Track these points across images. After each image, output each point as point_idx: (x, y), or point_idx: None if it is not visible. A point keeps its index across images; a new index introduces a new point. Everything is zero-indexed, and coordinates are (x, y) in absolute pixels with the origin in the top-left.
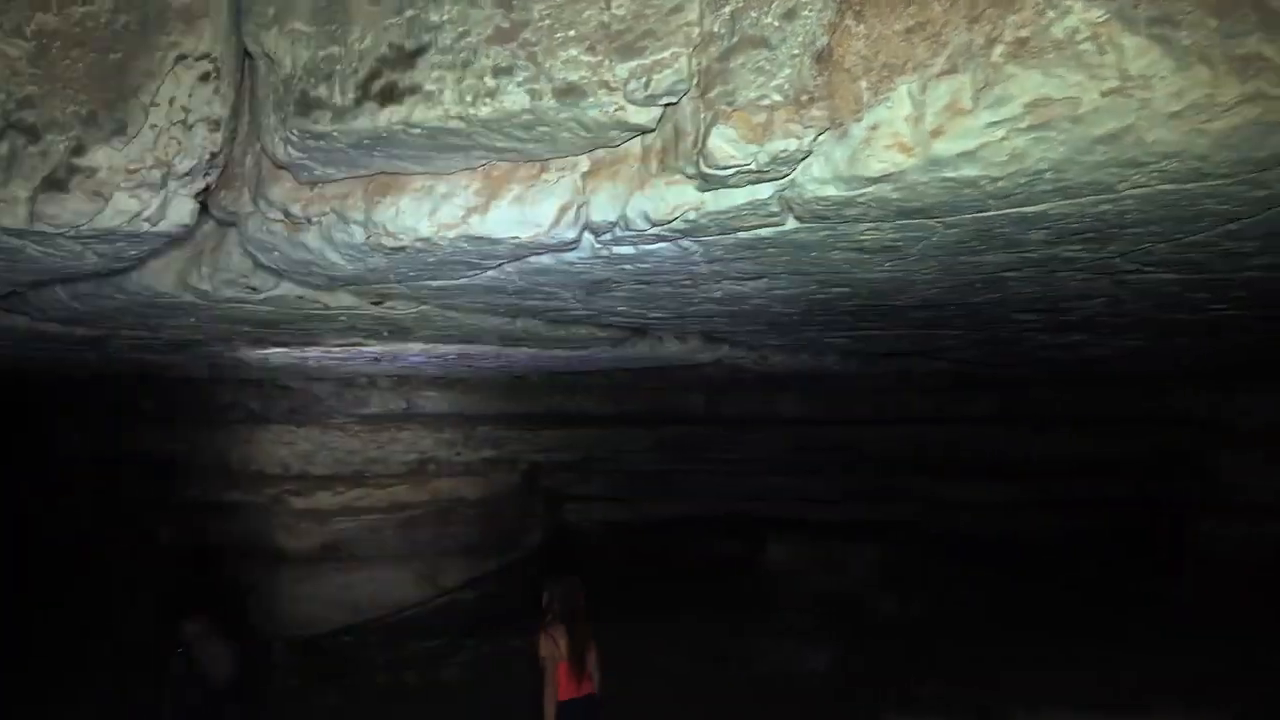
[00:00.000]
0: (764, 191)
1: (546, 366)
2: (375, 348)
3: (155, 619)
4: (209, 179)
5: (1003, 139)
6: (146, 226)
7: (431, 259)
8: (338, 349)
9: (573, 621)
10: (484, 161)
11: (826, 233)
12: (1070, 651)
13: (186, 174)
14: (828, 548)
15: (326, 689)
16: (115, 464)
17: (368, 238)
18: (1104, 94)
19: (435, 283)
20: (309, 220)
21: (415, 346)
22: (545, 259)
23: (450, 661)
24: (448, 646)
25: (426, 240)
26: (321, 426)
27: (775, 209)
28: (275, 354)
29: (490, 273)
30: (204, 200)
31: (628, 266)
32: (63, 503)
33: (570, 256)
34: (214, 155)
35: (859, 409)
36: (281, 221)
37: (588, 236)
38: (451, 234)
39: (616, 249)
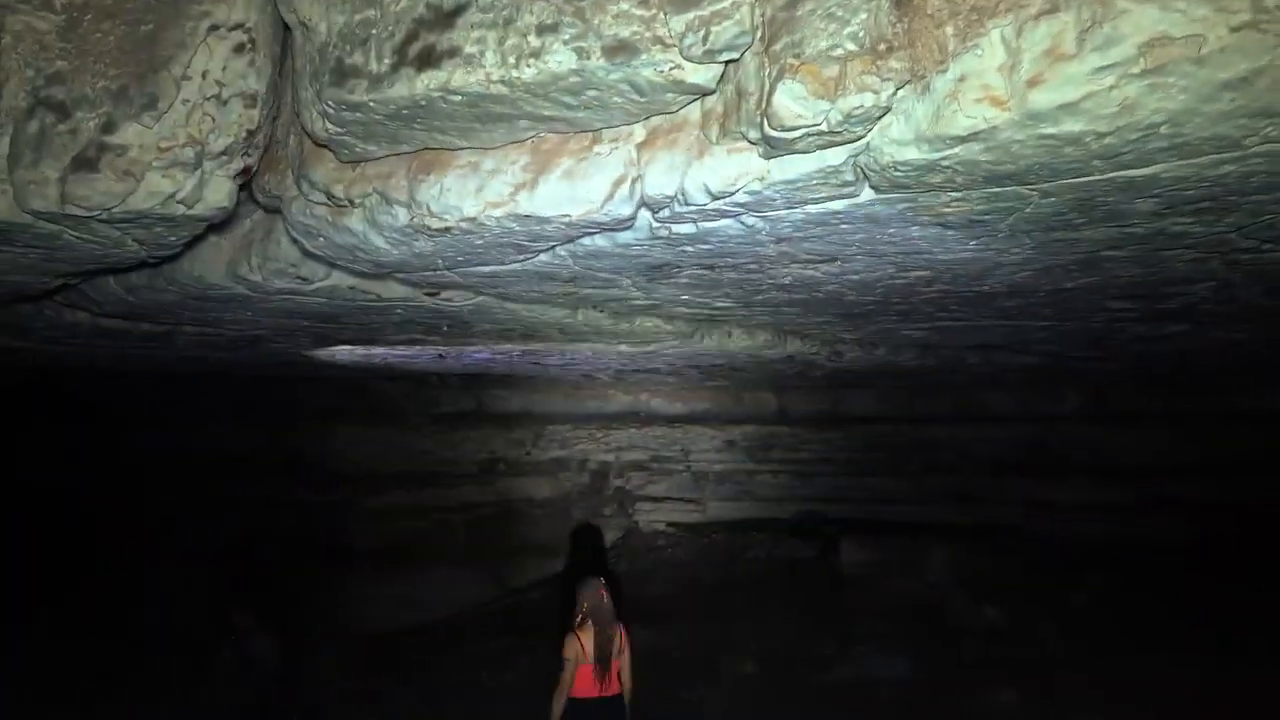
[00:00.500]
0: (835, 157)
1: (612, 365)
2: (438, 346)
3: (210, 611)
4: (249, 160)
5: (1111, 87)
6: (182, 209)
7: (479, 241)
8: (401, 347)
9: (600, 624)
10: (531, 133)
11: (905, 205)
12: (1171, 666)
13: (222, 153)
14: (904, 550)
15: (394, 689)
16: (188, 461)
17: (411, 219)
18: (1234, 29)
19: (485, 268)
20: (352, 202)
21: (476, 345)
22: (600, 240)
23: (516, 663)
24: (514, 648)
25: (472, 220)
26: (396, 426)
27: (848, 177)
28: (341, 352)
29: (542, 256)
30: (246, 183)
31: (688, 248)
32: (132, 499)
33: (626, 237)
34: (251, 134)
35: (938, 406)
36: (325, 205)
37: (644, 214)
38: (498, 213)
39: (676, 228)
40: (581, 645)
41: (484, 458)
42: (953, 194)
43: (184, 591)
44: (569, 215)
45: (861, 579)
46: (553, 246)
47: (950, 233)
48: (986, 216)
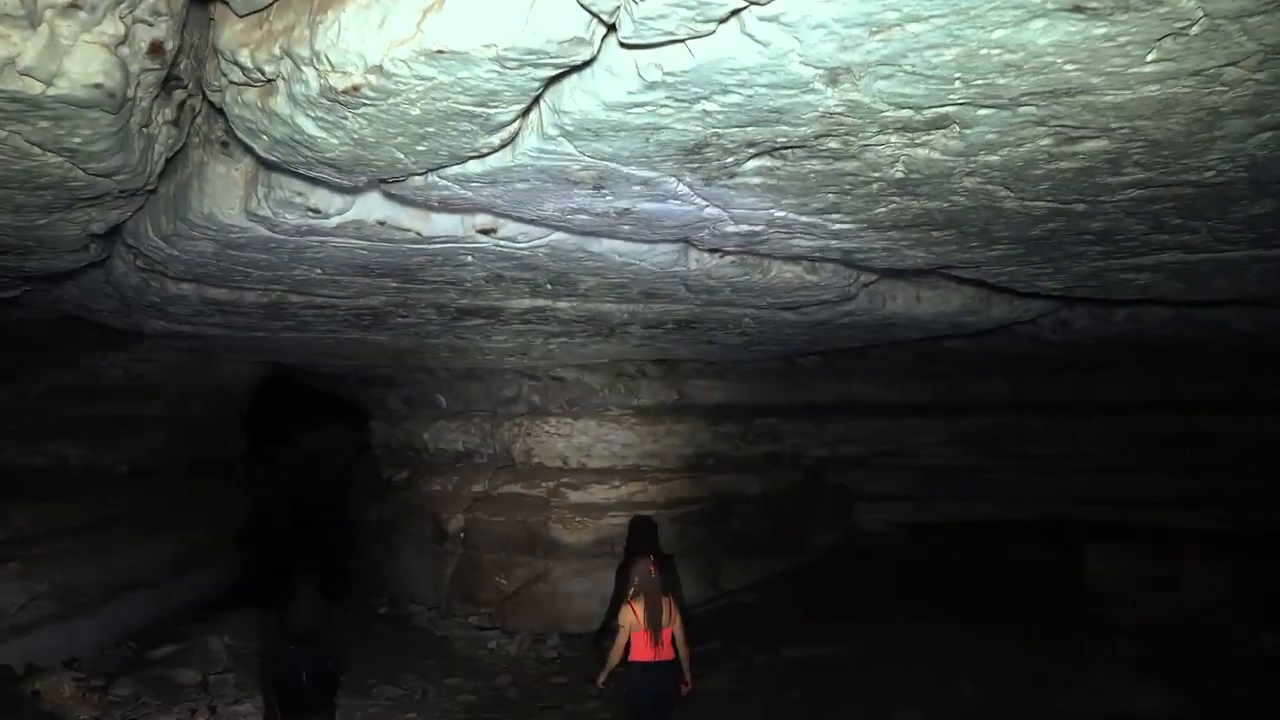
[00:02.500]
0: None
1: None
2: (565, 304)
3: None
4: (154, 33)
5: None
6: (37, 86)
7: (410, 110)
8: (533, 317)
9: (650, 595)
10: None
11: None
12: None
13: (74, 5)
14: (1164, 561)
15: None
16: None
17: (320, 81)
18: None
19: (452, 169)
20: (266, 75)
21: (609, 307)
22: (582, 100)
23: (721, 668)
24: (720, 652)
25: (379, 71)
26: (598, 419)
27: None
28: (470, 327)
29: (529, 142)
30: (167, 73)
31: (712, 104)
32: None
33: (609, 89)
34: None
35: (1210, 391)
36: (246, 84)
37: (608, 41)
38: (406, 53)
39: (668, 64)
40: (635, 614)
41: (691, 452)
42: None
43: None
44: (494, 45)
45: (1110, 593)
46: (504, 112)
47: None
48: None
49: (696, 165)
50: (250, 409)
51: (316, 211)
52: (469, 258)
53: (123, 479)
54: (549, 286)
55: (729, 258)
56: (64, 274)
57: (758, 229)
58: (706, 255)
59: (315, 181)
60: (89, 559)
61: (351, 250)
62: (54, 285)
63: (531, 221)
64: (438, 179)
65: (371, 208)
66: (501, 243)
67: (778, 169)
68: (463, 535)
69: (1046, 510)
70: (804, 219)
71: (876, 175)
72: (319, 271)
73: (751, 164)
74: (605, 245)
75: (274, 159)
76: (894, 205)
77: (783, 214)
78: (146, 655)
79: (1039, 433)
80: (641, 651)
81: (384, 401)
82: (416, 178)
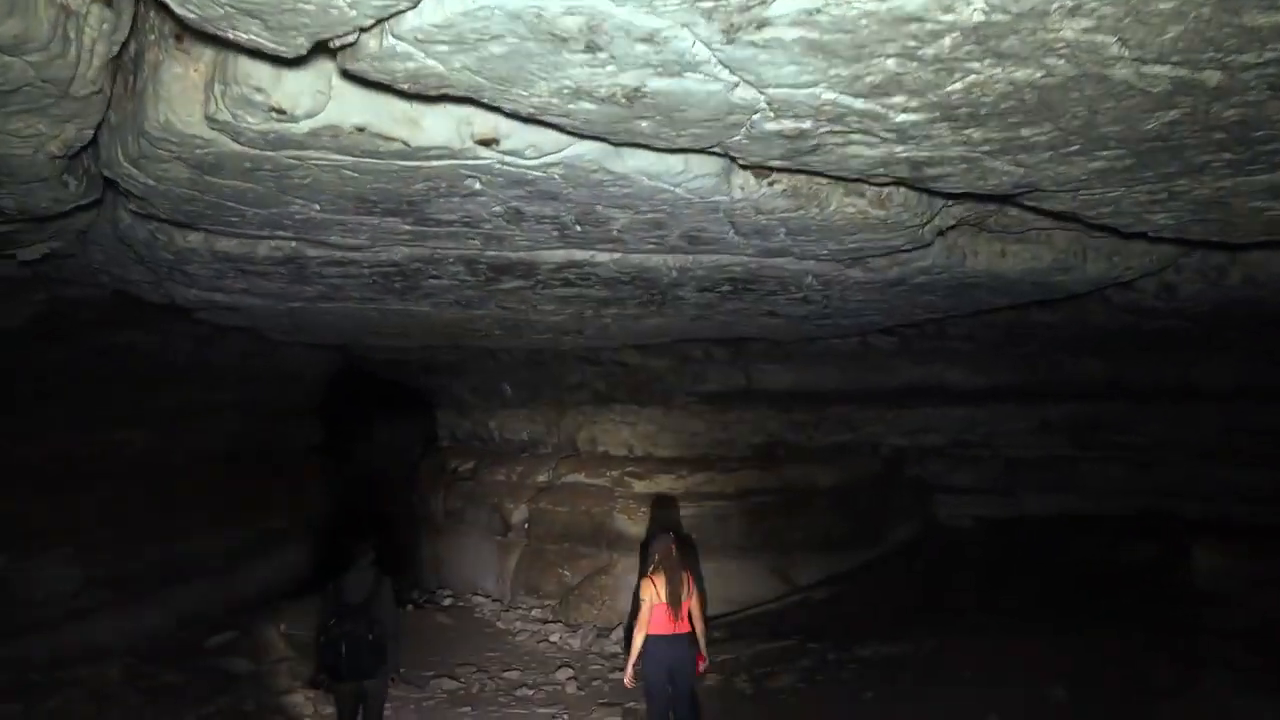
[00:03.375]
0: None
1: (835, 314)
2: (604, 256)
3: None
4: None
5: None
6: None
7: None
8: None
9: (670, 571)
10: None
11: None
12: None
13: None
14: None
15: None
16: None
17: None
18: None
19: (408, 19)
20: None
21: (658, 259)
22: None
23: (793, 666)
24: (792, 650)
25: None
26: (664, 406)
27: None
28: (509, 291)
29: None
30: None
31: None
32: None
33: None
34: None
35: None
36: None
37: None
38: None
39: None
40: (655, 588)
41: (760, 441)
42: None
43: None
44: None
45: (1219, 594)
46: None
47: None
48: None
49: (711, 5)
50: (326, 401)
51: (281, 112)
52: (476, 183)
53: (189, 466)
54: (578, 228)
55: (777, 186)
56: (57, 217)
57: (804, 125)
58: (751, 180)
59: (264, 59)
60: (149, 545)
61: (339, 172)
62: (70, 242)
63: (532, 121)
64: (394, 41)
65: (346, 109)
66: (508, 159)
67: (818, 14)
68: (526, 526)
69: (1142, 504)
70: (859, 105)
71: (948, 19)
72: (316, 208)
73: (783, 3)
74: (629, 164)
75: (189, 14)
76: (972, 77)
77: (832, 96)
78: (203, 643)
79: (1135, 420)
80: (660, 625)
81: (450, 390)
82: (368, 39)
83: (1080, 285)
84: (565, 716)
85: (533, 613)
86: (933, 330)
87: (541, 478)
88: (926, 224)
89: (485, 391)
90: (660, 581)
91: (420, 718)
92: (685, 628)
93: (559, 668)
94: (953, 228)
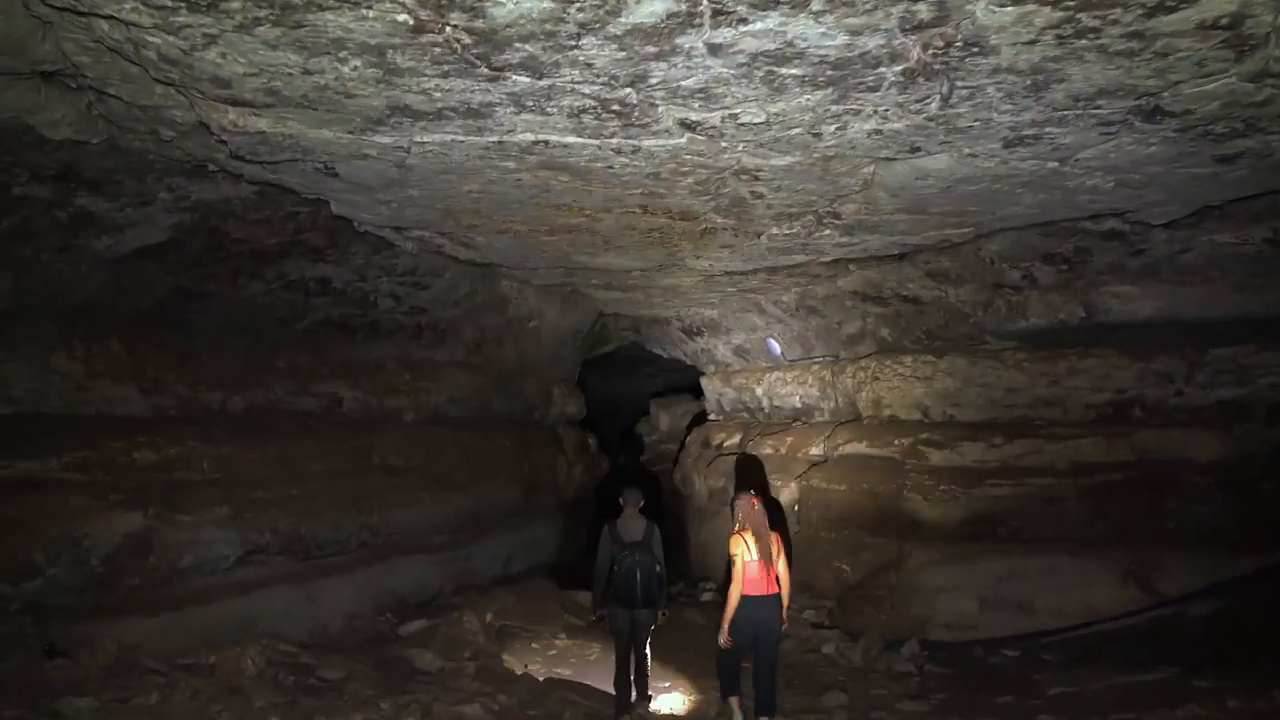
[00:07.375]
0: None
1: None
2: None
3: None
4: None
5: None
6: None
7: None
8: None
9: (756, 528)
10: None
11: None
12: None
13: None
14: None
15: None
16: None
17: None
18: None
19: None
20: None
21: None
22: None
23: (1172, 716)
24: (1168, 687)
25: None
26: (968, 355)
27: None
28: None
29: None
30: None
31: None
32: None
33: None
34: None
35: None
36: None
37: None
38: None
39: None
40: (746, 544)
41: (1105, 398)
42: None
43: None
44: None
45: None
46: None
47: None
48: None
49: None
50: (584, 375)
51: None
52: None
53: (407, 426)
54: None
55: None
56: None
57: None
58: None
59: None
60: (339, 513)
61: None
62: None
63: None
64: None
65: None
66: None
67: None
68: (796, 508)
69: None
70: None
71: None
72: None
73: None
74: None
75: None
76: None
77: None
78: (396, 631)
79: None
80: (753, 585)
81: (713, 354)
82: None
83: None
84: None
85: (804, 614)
86: None
87: (815, 450)
88: None
89: (751, 352)
90: (750, 538)
91: None
92: (775, 588)
93: (827, 689)
94: None
